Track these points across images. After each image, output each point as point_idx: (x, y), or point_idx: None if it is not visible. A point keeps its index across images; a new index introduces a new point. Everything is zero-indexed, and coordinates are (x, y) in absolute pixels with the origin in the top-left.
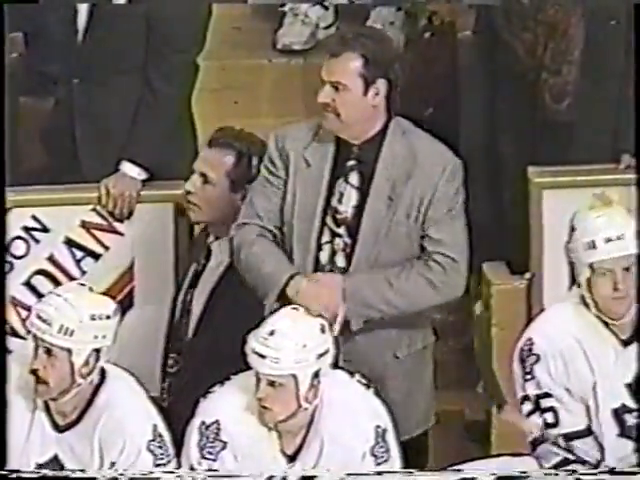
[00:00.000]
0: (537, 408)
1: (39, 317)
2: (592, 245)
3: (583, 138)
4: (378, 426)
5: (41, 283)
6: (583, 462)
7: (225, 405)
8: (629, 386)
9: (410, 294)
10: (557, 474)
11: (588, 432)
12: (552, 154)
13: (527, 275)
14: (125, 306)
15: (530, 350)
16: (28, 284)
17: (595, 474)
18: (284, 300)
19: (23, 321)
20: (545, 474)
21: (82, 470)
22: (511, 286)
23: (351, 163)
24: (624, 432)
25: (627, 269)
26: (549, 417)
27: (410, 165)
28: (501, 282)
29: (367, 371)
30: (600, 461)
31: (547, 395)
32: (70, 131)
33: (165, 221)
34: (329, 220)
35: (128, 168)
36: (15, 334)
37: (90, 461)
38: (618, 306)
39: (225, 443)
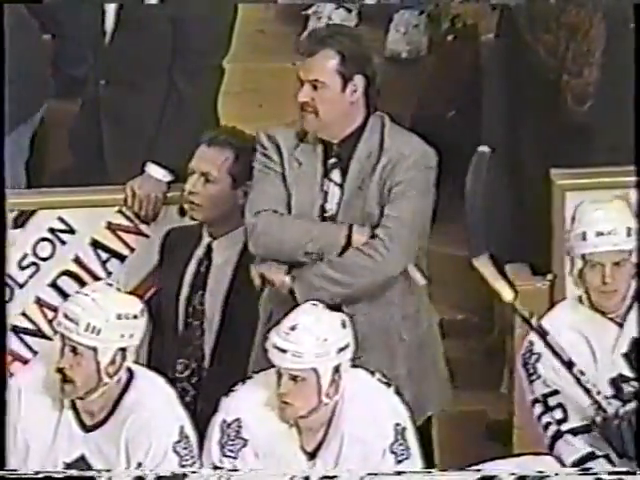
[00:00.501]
0: (546, 408)
1: (66, 316)
2: (583, 237)
3: (605, 140)
4: (397, 424)
5: (67, 284)
6: (605, 457)
7: (246, 403)
8: (625, 356)
9: (350, 269)
10: (577, 474)
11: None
12: (574, 156)
13: (549, 276)
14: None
15: (531, 351)
16: (54, 285)
17: (598, 473)
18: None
19: (50, 322)
20: (566, 474)
21: (108, 470)
22: (533, 287)
23: (332, 161)
24: (621, 396)
25: (617, 264)
26: (558, 414)
27: (378, 154)
28: (523, 283)
29: (375, 355)
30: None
31: (555, 393)
32: (97, 133)
33: (189, 223)
34: (318, 219)
35: (154, 170)
36: (41, 335)
37: (117, 461)
38: (607, 300)
39: (246, 441)
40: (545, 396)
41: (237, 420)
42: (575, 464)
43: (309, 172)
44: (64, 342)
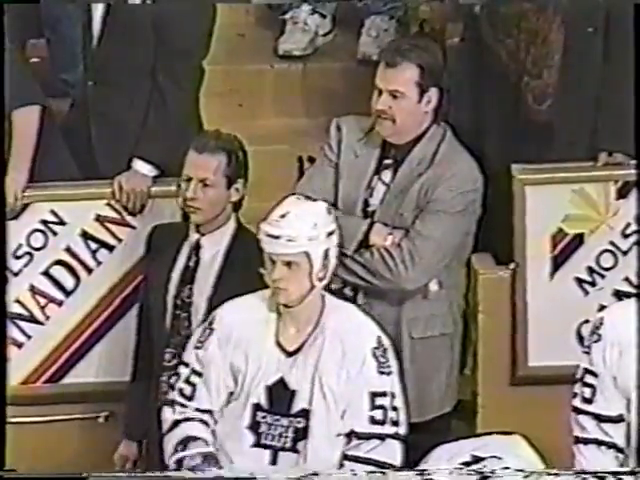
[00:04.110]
0: (581, 380)
1: None
2: None
3: (563, 137)
4: (380, 336)
5: (59, 272)
6: (614, 447)
7: (228, 303)
8: None
9: (371, 270)
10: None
11: (619, 419)
12: (534, 152)
13: (511, 265)
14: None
15: (596, 328)
16: (47, 273)
17: (597, 473)
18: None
19: (42, 308)
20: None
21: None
22: (496, 275)
23: (387, 162)
24: None
25: None
26: (587, 392)
27: (428, 165)
28: (487, 271)
29: None
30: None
31: (593, 373)
32: (86, 130)
33: (174, 215)
34: (359, 212)
35: (140, 165)
36: (34, 320)
37: None
38: None
39: (212, 330)
40: (586, 370)
41: (214, 315)
42: (577, 441)
43: (362, 166)
44: None
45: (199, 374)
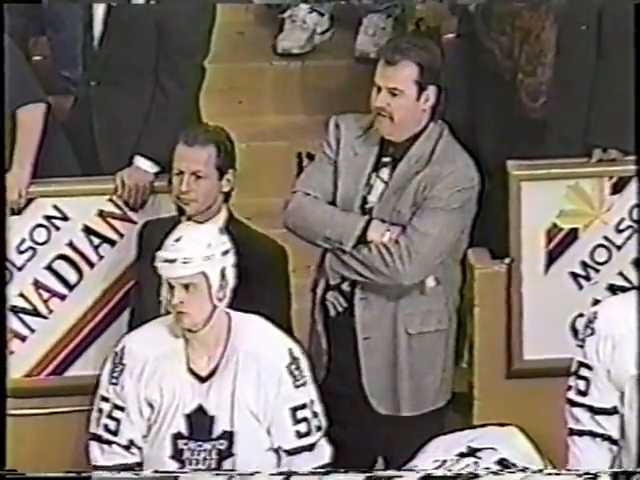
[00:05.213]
0: (576, 373)
1: None
2: None
3: (557, 134)
4: (291, 348)
5: (62, 267)
6: (609, 439)
7: (134, 333)
8: None
9: (369, 266)
10: (577, 475)
11: (613, 411)
12: (529, 149)
13: (507, 260)
14: None
15: (590, 322)
16: (50, 268)
17: (597, 474)
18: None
19: (45, 302)
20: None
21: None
22: (492, 270)
23: (385, 159)
24: None
25: None
26: (581, 385)
27: (426, 162)
28: (483, 266)
29: (381, 338)
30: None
31: (588, 366)
32: (89, 127)
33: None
34: (357, 209)
35: (141, 162)
36: (38, 314)
37: None
38: None
39: (124, 365)
40: (580, 364)
41: (123, 348)
42: (572, 433)
43: (361, 163)
44: None
45: (121, 408)
